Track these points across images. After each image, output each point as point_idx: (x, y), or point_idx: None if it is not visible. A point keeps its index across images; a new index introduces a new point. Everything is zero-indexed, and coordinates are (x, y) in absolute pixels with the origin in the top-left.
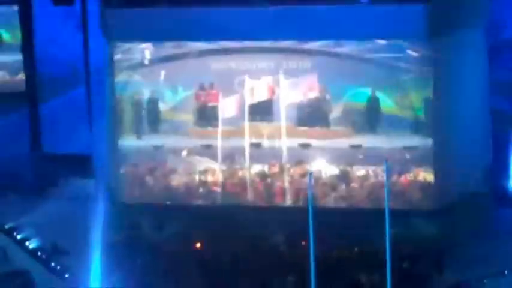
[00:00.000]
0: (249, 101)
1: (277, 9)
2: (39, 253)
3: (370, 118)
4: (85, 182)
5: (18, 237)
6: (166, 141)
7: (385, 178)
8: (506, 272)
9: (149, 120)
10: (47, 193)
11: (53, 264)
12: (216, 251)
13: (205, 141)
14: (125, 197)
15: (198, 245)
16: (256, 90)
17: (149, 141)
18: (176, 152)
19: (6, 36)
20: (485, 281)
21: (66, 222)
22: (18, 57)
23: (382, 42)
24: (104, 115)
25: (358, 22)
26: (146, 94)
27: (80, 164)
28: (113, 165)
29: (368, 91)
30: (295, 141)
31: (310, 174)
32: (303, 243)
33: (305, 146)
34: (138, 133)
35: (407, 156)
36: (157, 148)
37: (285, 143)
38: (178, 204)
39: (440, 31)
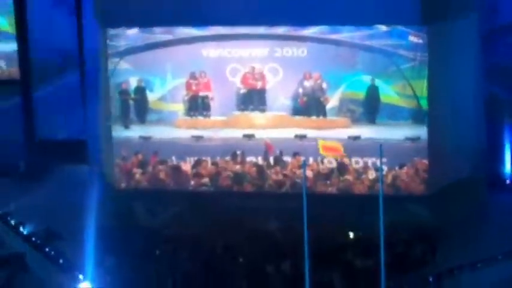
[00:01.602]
0: (242, 90)
1: None
2: (33, 238)
3: (369, 107)
4: (79, 167)
5: (12, 222)
6: (155, 132)
7: (379, 163)
8: (500, 257)
9: (137, 110)
10: (41, 179)
11: (47, 249)
12: (210, 236)
13: (196, 132)
14: (117, 183)
15: (191, 230)
16: (249, 78)
17: (138, 131)
18: (165, 143)
19: (5, 26)
20: (478, 265)
21: (61, 208)
22: (15, 46)
23: (381, 28)
24: (98, 101)
25: (354, 7)
26: (134, 82)
27: (74, 150)
28: (107, 152)
29: (366, 79)
30: (291, 132)
31: (304, 162)
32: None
33: (301, 136)
34: (126, 123)
35: (407, 146)
36: (145, 139)
37: (280, 134)
38: (172, 190)
39: (435, 17)
